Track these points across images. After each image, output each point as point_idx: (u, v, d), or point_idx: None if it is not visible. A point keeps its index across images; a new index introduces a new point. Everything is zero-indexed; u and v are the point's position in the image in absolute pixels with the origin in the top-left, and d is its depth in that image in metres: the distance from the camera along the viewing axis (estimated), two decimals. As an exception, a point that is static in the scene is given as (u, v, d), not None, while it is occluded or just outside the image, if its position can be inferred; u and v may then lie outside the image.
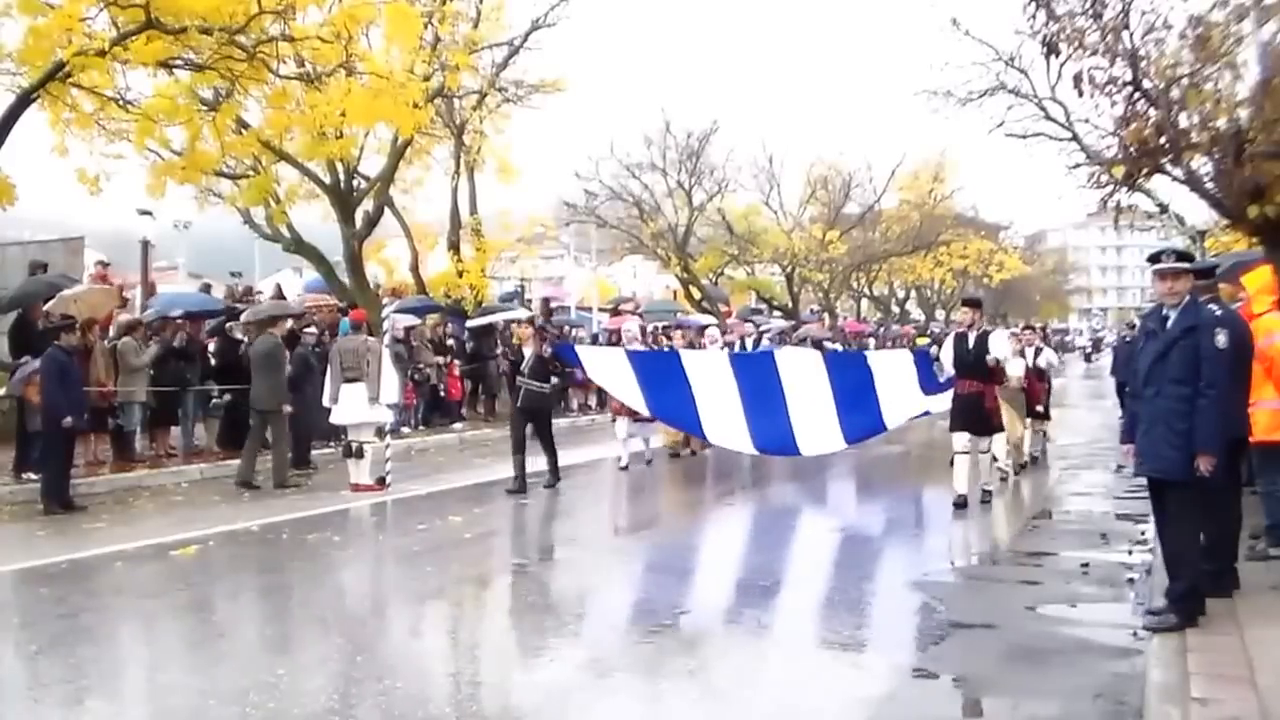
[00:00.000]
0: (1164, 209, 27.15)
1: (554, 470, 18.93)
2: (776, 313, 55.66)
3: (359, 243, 28.89)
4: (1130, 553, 13.20)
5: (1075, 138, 26.50)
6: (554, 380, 19.91)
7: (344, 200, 28.83)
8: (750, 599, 11.66)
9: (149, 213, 34.68)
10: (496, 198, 38.99)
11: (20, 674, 9.27)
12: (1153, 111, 17.86)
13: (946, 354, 17.49)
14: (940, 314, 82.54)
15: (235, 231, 34.30)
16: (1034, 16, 22.72)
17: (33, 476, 17.94)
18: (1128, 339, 39.28)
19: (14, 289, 22.43)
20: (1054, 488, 18.86)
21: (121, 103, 19.10)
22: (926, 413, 19.69)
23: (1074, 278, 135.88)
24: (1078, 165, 25.91)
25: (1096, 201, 24.48)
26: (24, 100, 17.52)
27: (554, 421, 20.43)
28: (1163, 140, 16.97)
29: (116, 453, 20.93)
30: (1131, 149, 18.01)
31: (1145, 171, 19.23)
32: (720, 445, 21.33)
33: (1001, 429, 17.35)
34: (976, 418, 16.85)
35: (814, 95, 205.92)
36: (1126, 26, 18.72)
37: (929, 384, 19.02)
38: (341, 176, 28.91)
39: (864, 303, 78.57)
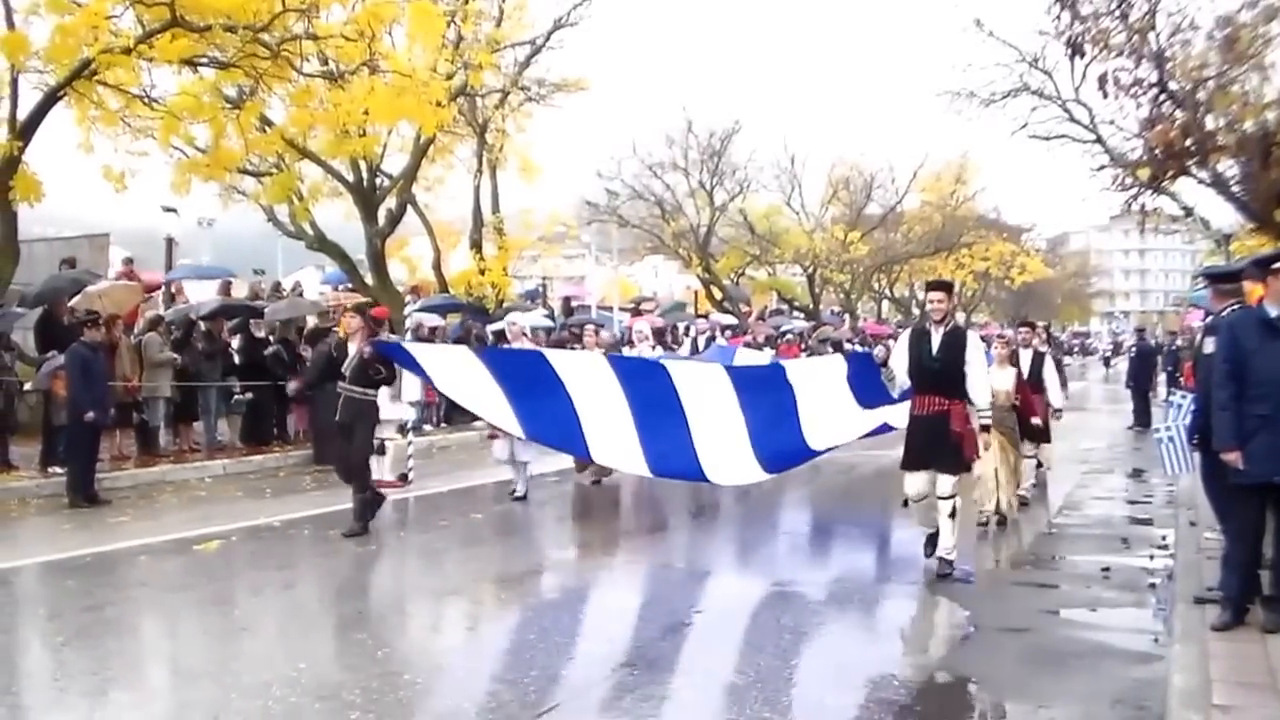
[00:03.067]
0: (1189, 212, 27.06)
1: (365, 510, 14.75)
2: (797, 313, 55.64)
3: (382, 241, 28.94)
4: (1151, 558, 13.21)
5: (1099, 140, 26.46)
6: (374, 385, 15.18)
7: (367, 198, 28.88)
8: (780, 597, 11.62)
9: (173, 210, 34.86)
10: (518, 196, 39.14)
11: (47, 665, 9.33)
12: (1179, 113, 17.85)
13: (899, 359, 12.95)
14: (960, 316, 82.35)
15: (257, 229, 34.39)
16: (1058, 17, 22.74)
17: (59, 470, 18.10)
18: (1153, 345, 39.30)
19: (40, 284, 22.53)
20: (1074, 492, 18.74)
21: (147, 100, 19.16)
22: (886, 427, 15.75)
23: (1096, 281, 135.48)
24: (1102, 168, 25.89)
25: (1121, 204, 24.50)
26: (51, 98, 17.61)
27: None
28: (1189, 143, 16.96)
29: (141, 447, 21.01)
30: (1157, 151, 18.02)
31: (1171, 174, 19.23)
32: (609, 465, 17.23)
33: (969, 466, 12.72)
34: (939, 449, 12.17)
35: (836, 95, 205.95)
36: (1153, 27, 18.72)
37: (870, 395, 15.76)
38: (364, 174, 28.97)
39: (885, 304, 78.50)
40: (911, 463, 12.50)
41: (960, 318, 15.20)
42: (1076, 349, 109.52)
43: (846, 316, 59.28)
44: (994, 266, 72.88)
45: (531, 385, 15.42)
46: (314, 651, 9.53)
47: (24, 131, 17.54)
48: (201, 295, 28.49)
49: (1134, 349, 38.01)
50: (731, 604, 11.47)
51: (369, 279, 29.18)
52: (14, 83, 17.68)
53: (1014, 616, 10.67)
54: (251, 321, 24.55)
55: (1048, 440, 18.29)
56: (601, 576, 13.01)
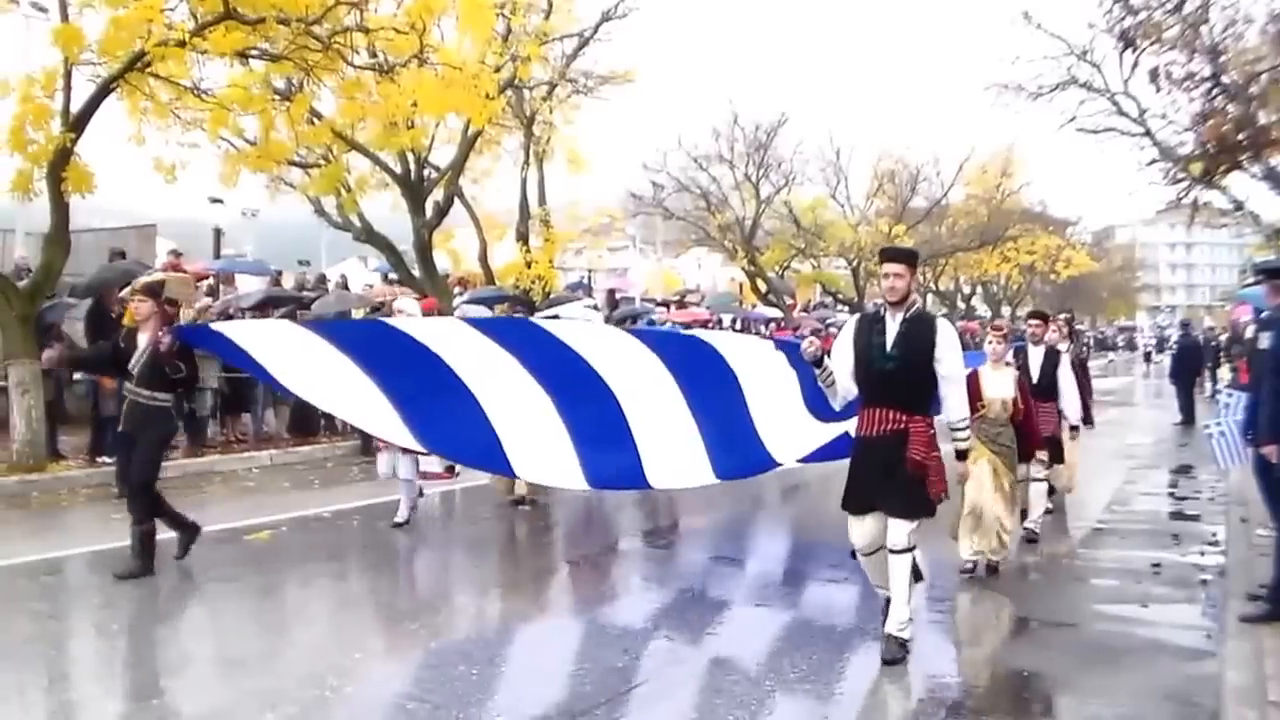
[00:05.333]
0: (1239, 206, 26.93)
1: (144, 546, 11.77)
2: (842, 307, 55.54)
3: (429, 232, 28.99)
4: (1202, 554, 13.17)
5: (1148, 133, 26.40)
6: (177, 389, 12.22)
7: (414, 190, 28.94)
8: (832, 585, 11.60)
9: (220, 200, 35.05)
10: (565, 189, 39.10)
11: (101, 653, 9.42)
12: (1232, 108, 17.77)
13: (841, 356, 9.41)
14: (1006, 310, 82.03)
15: (302, 220, 34.56)
16: (1110, 10, 22.68)
17: (107, 460, 18.19)
18: (1198, 340, 39.05)
19: (90, 275, 22.64)
20: (1122, 487, 18.67)
21: (197, 92, 19.25)
22: (847, 439, 10.67)
23: (1142, 275, 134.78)
24: (1152, 162, 25.85)
25: (1171, 199, 24.46)
26: (104, 90, 17.70)
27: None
28: (1241, 137, 16.87)
29: (189, 438, 21.11)
30: (1209, 146, 17.93)
31: (1223, 168, 19.15)
32: (536, 481, 14.21)
33: (932, 507, 9.10)
34: (891, 484, 8.95)
35: (882, 88, 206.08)
36: (1206, 20, 18.64)
37: (821, 404, 11.08)
38: (412, 166, 29.01)
39: (930, 298, 78.33)
40: (855, 502, 9.21)
41: (894, 285, 9.56)
42: (1122, 344, 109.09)
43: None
44: (1039, 260, 72.66)
45: (404, 367, 11.71)
46: (367, 642, 9.61)
47: (77, 123, 17.64)
48: (249, 287, 28.64)
49: (1179, 344, 37.83)
50: (787, 597, 11.48)
51: (415, 271, 29.23)
52: (68, 75, 17.77)
53: (1064, 611, 10.68)
54: (299, 312, 24.63)
55: (1060, 460, 15.05)
56: (653, 569, 13.01)
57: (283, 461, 20.34)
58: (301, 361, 11.54)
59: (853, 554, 9.55)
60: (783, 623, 10.32)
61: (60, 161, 17.43)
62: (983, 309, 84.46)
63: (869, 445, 9.18)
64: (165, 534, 12.07)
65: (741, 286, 55.88)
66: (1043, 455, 13.73)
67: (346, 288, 31.67)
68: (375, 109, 21.59)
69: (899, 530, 8.97)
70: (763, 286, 51.16)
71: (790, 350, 12.77)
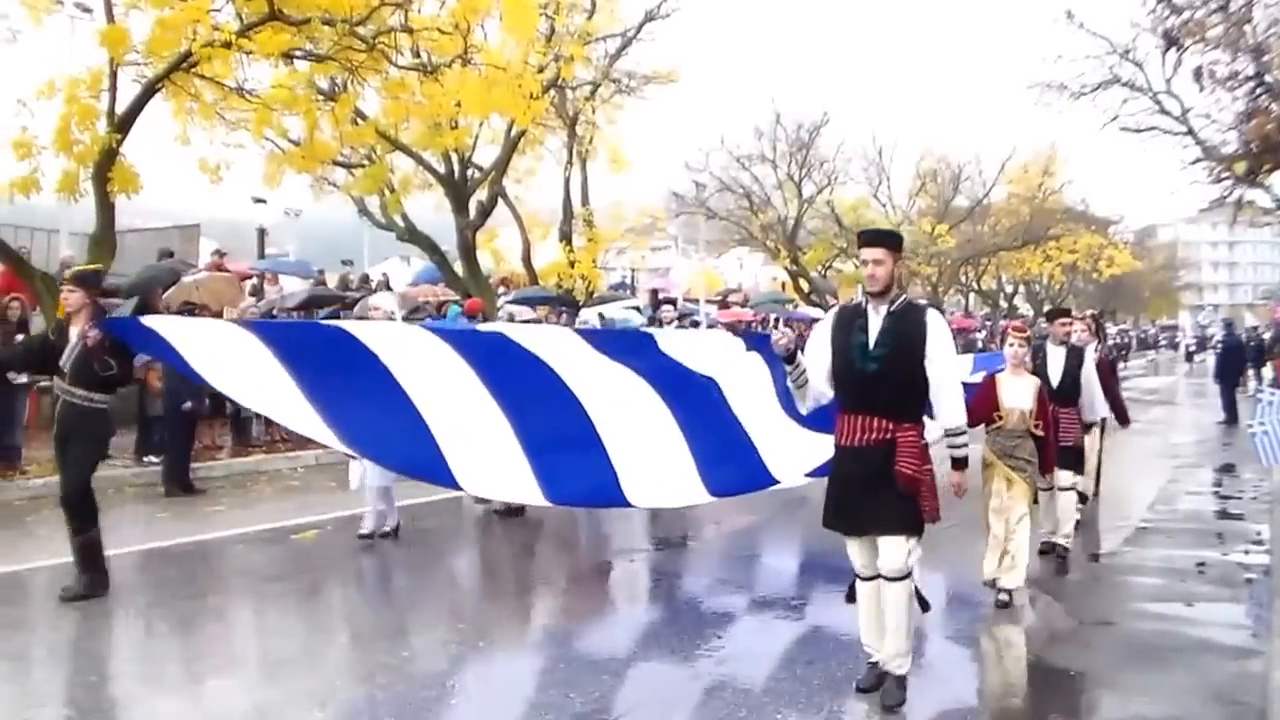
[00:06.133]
0: (1283, 205, 26.80)
1: (88, 557, 10.87)
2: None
3: (472, 232, 29.02)
4: (1247, 553, 13.10)
5: (1191, 132, 26.33)
6: (107, 386, 11.05)
7: (458, 190, 28.98)
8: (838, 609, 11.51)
9: (264, 200, 35.21)
10: (608, 188, 39.11)
11: (151, 652, 9.52)
12: (1276, 106, 17.69)
13: (818, 353, 8.22)
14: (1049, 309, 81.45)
15: (345, 219, 34.65)
16: (1154, 10, 22.61)
17: (154, 459, 18.34)
18: (1241, 339, 38.80)
19: (135, 275, 22.76)
20: (1166, 487, 18.57)
21: (243, 93, 19.33)
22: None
23: (1184, 274, 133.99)
24: (1195, 161, 25.75)
25: (1212, 198, 24.36)
26: (150, 90, 17.77)
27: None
28: (1285, 136, 16.78)
29: (234, 437, 21.19)
30: (1253, 145, 17.86)
31: (1266, 167, 19.07)
32: (485, 495, 13.39)
33: (920, 527, 7.92)
34: (876, 501, 7.85)
35: (924, 87, 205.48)
36: (1250, 20, 18.55)
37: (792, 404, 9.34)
38: (456, 166, 29.06)
39: (972, 297, 78.10)
40: (839, 521, 8.12)
41: (875, 273, 8.64)
42: (1164, 343, 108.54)
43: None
44: (1082, 259, 72.29)
45: (342, 375, 10.53)
46: (415, 641, 9.63)
47: (123, 124, 17.72)
48: (294, 287, 28.78)
49: (1222, 343, 37.61)
50: (829, 593, 11.47)
51: (459, 271, 29.29)
52: (113, 75, 17.85)
53: (1109, 610, 10.66)
54: (342, 312, 24.68)
55: (1080, 470, 13.41)
56: (703, 565, 12.99)
57: (327, 461, 20.35)
58: (230, 362, 10.29)
59: (849, 596, 8.43)
60: (831, 626, 10.08)
61: (106, 162, 17.50)
62: (1025, 308, 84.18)
63: (850, 457, 7.98)
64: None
65: (784, 286, 55.84)
66: (1066, 473, 12.69)
67: (389, 287, 31.77)
68: (419, 109, 21.69)
69: (893, 551, 7.81)
70: (805, 286, 51.11)
71: (764, 348, 11.12)
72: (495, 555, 13.72)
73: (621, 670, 8.74)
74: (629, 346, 12.37)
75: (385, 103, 22.07)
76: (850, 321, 8.05)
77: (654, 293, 43.92)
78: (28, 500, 16.45)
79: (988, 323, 65.69)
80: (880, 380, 7.82)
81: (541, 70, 24.96)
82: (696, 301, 45.12)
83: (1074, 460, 13.00)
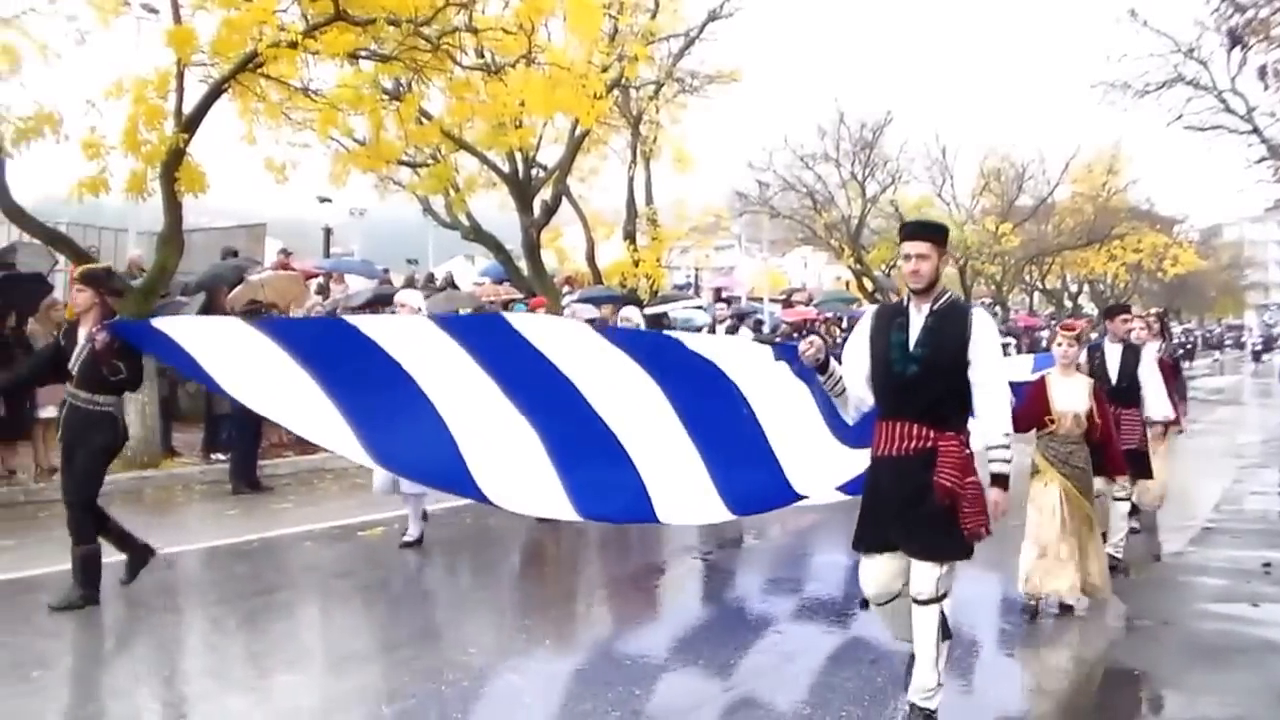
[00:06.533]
0: (1349, 205, 26.64)
1: (85, 572, 10.48)
2: (949, 306, 55.27)
3: (537, 231, 29.08)
4: (1314, 553, 12.99)
5: (1256, 130, 26.18)
6: (114, 389, 10.74)
7: (522, 189, 29.04)
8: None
9: (329, 199, 35.43)
10: (671, 187, 39.16)
11: (219, 648, 9.62)
12: (1342, 105, 17.54)
13: (856, 357, 7.70)
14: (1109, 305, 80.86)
15: (409, 218, 34.78)
16: (1218, 8, 22.49)
17: (221, 457, 18.52)
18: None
19: (201, 273, 22.94)
20: (1231, 487, 18.43)
21: (308, 93, 19.46)
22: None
23: (1250, 273, 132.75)
24: (1261, 159, 25.60)
25: (1278, 196, 24.21)
26: (216, 90, 17.92)
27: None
28: (1351, 136, 16.65)
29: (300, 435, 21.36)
30: (1319, 143, 17.71)
31: (1333, 167, 18.92)
32: (514, 510, 11.02)
33: (969, 548, 7.25)
34: (915, 517, 7.24)
35: (988, 86, 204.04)
36: (1314, 19, 18.41)
37: (841, 423, 8.97)
38: (520, 166, 29.13)
39: (1036, 296, 77.74)
40: (870, 537, 7.51)
41: (919, 269, 8.09)
42: (1230, 343, 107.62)
43: (998, 309, 58.77)
44: (1146, 259, 71.77)
45: (361, 374, 9.88)
46: (481, 638, 9.69)
47: (189, 124, 17.87)
48: (360, 286, 28.94)
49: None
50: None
51: (523, 269, 29.37)
52: (180, 76, 18.00)
53: (1174, 611, 10.64)
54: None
55: (1147, 475, 13.14)
56: (768, 566, 12.99)
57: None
58: (247, 366, 9.78)
59: (862, 604, 8.37)
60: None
61: (173, 162, 17.66)
62: (1090, 307, 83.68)
63: (887, 467, 7.37)
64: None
65: (848, 285, 55.76)
66: (1124, 481, 11.95)
67: (454, 286, 31.88)
68: (483, 109, 21.77)
69: (926, 575, 7.18)
70: (869, 285, 50.97)
71: (792, 358, 9.34)
72: (561, 554, 13.76)
73: (680, 670, 8.79)
74: (647, 346, 11.23)
75: (450, 102, 22.16)
76: (890, 321, 7.51)
77: (717, 291, 43.93)
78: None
79: (1052, 321, 65.36)
80: (920, 383, 7.25)
81: (605, 70, 24.98)
82: (761, 300, 45.09)
83: (1138, 464, 12.52)
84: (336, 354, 9.96)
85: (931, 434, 7.18)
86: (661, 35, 31.70)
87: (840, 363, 7.72)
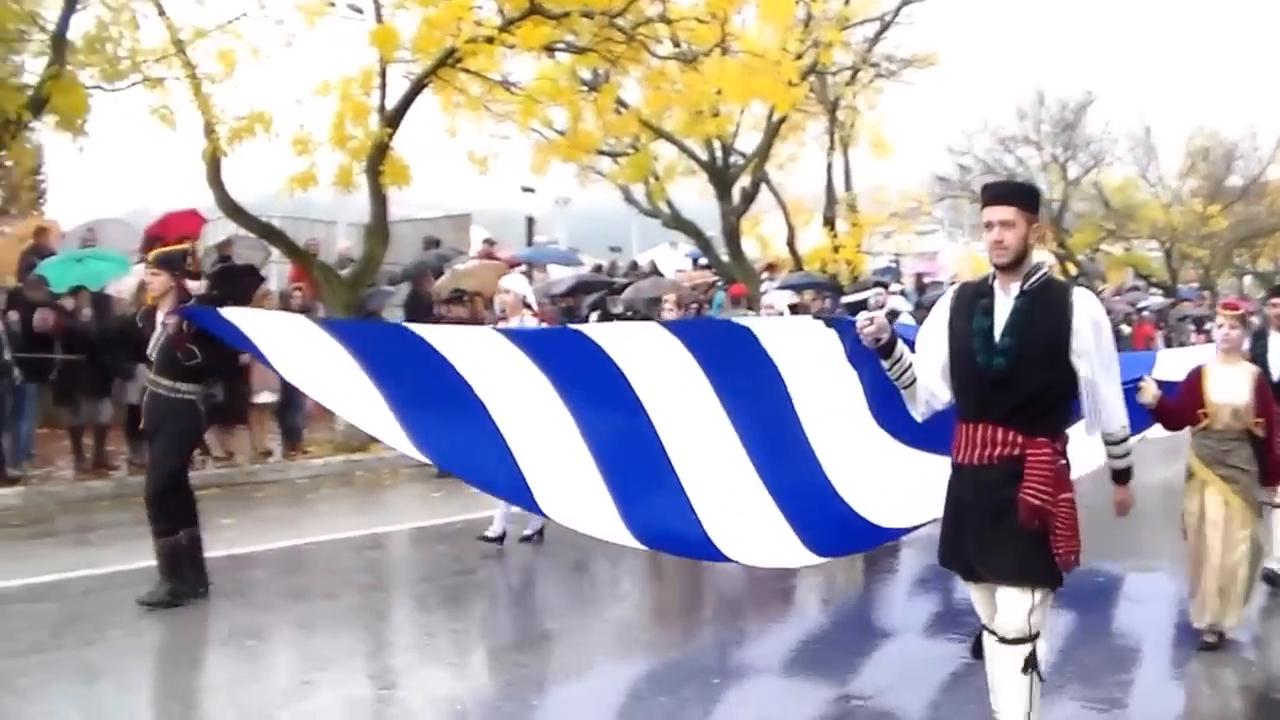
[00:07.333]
0: None
1: (173, 562, 10.13)
2: (1155, 290, 54.25)
3: (737, 218, 29.23)
4: None
5: None
6: (194, 376, 10.34)
7: (721, 176, 29.21)
8: (1099, 595, 11.15)
9: (532, 189, 35.91)
10: (870, 173, 38.95)
11: (421, 623, 10.04)
12: None
13: (932, 343, 6.26)
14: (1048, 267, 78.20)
15: (612, 207, 35.06)
16: None
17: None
18: None
19: (407, 263, 23.53)
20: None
21: (507, 86, 19.89)
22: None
23: None
24: None
25: None
26: (418, 86, 18.42)
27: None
28: None
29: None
30: None
31: None
32: (577, 529, 8.90)
33: (1060, 575, 5.79)
34: (998, 537, 5.83)
35: (1193, 62, 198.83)
36: None
37: (894, 416, 7.87)
38: (718, 153, 29.31)
39: (1247, 279, 75.76)
40: (954, 556, 6.17)
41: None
42: None
43: (1206, 293, 57.48)
44: (1366, 239, 69.67)
45: (420, 381, 8.87)
46: (671, 632, 9.89)
47: (393, 119, 18.40)
48: (564, 274, 29.38)
49: None
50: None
51: (724, 256, 29.57)
52: (383, 73, 18.53)
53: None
54: (609, 298, 25.01)
55: None
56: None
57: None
58: (306, 357, 9.04)
59: (975, 651, 7.25)
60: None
61: (378, 156, 18.21)
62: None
63: (969, 478, 5.98)
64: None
65: (1050, 269, 54.99)
66: None
67: (658, 273, 32.15)
68: (680, 98, 21.99)
69: (1015, 606, 5.80)
70: (1072, 269, 50.28)
71: (847, 333, 7.94)
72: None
73: (787, 682, 8.77)
74: (725, 345, 9.31)
75: (646, 92, 22.46)
76: (972, 303, 6.06)
77: (919, 276, 43.64)
78: (309, 479, 17.25)
79: (1263, 305, 63.53)
80: (1008, 379, 5.80)
81: (800, 57, 25.07)
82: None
83: None
84: (397, 360, 9.03)
85: (1020, 439, 5.78)
86: (856, 20, 31.65)
87: (913, 349, 6.39)
